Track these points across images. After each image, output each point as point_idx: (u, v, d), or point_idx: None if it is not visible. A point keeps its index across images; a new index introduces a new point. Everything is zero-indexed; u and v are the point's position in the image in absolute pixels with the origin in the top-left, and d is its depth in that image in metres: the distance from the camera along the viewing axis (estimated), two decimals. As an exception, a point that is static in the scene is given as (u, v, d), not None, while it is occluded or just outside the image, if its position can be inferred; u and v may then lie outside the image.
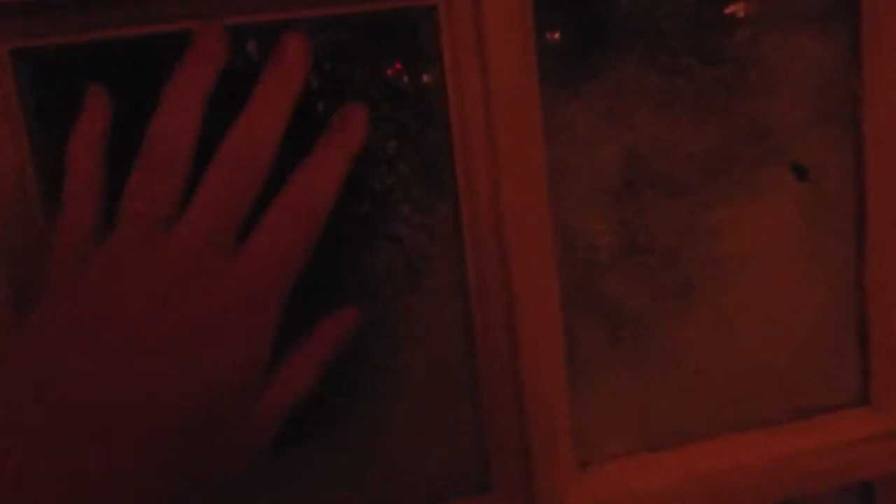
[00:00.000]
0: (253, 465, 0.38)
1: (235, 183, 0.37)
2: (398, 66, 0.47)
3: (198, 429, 0.34)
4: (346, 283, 0.49)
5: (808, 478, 0.58)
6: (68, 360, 0.34)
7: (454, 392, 0.52)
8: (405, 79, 0.47)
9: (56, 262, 0.37)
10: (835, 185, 0.56)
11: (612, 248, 0.52)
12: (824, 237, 0.57)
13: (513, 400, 0.52)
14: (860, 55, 0.53)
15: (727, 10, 0.51)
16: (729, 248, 0.55)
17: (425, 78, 0.48)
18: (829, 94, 0.54)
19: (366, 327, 0.45)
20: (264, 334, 0.37)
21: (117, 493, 0.32)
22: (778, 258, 0.56)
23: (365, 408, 0.50)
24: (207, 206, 0.36)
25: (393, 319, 0.50)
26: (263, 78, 0.38)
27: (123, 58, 0.43)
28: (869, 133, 0.55)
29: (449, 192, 0.49)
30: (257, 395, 0.37)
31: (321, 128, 0.42)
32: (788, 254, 0.56)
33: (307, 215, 0.38)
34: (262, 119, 0.37)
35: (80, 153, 0.38)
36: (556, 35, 0.49)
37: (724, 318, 0.56)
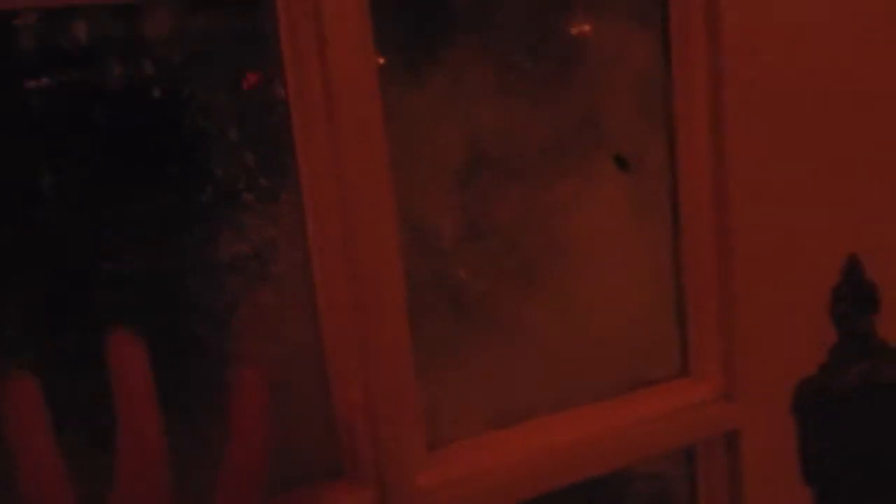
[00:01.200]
0: None
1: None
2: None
3: None
4: (193, 272, 0.47)
5: (641, 446, 0.62)
6: None
7: (302, 378, 0.52)
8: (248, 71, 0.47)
9: None
10: (653, 173, 0.61)
11: (454, 232, 0.54)
12: (645, 222, 0.62)
13: (361, 385, 0.53)
14: (669, 51, 0.59)
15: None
16: (563, 232, 0.58)
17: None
18: (646, 88, 0.59)
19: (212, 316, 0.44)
20: None
21: None
22: (606, 241, 0.60)
23: (213, 395, 0.49)
24: None
25: (240, 306, 0.49)
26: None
27: None
28: (679, 125, 0.61)
29: (293, 180, 0.49)
30: None
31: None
32: (614, 237, 0.61)
33: (254, 480, 0.38)
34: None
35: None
36: (396, 26, 0.50)
37: (560, 298, 0.59)
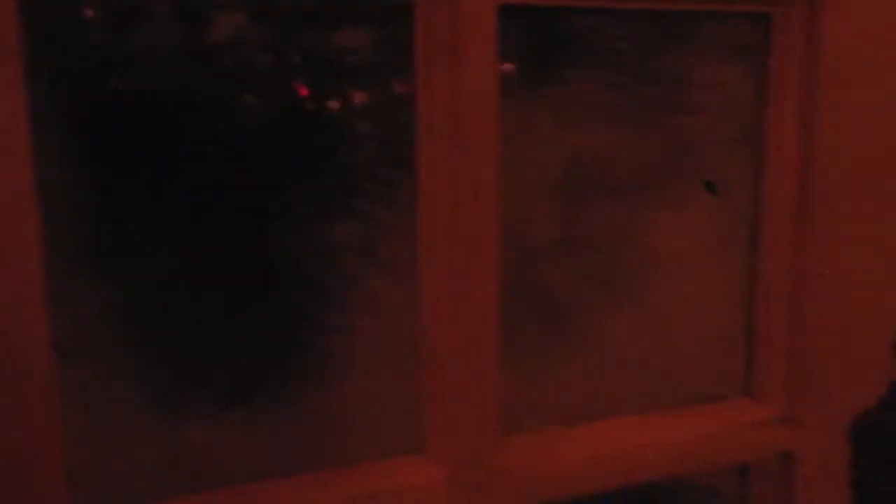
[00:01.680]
0: None
1: None
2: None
3: None
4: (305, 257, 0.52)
5: (699, 457, 0.66)
6: None
7: (399, 362, 0.56)
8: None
9: None
10: (739, 200, 0.64)
11: (550, 239, 0.58)
12: (726, 245, 0.65)
13: (449, 370, 0.57)
14: (767, 81, 0.62)
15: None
16: (650, 248, 0.62)
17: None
18: (740, 119, 0.62)
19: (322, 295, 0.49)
20: None
21: None
22: (688, 260, 0.63)
23: (315, 373, 0.53)
24: None
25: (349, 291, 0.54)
26: None
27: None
28: (769, 156, 0.63)
29: (411, 175, 0.54)
30: None
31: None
32: (697, 257, 0.64)
33: None
34: None
35: None
36: (519, 41, 0.54)
37: (639, 310, 0.63)
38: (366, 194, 0.53)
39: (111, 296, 0.47)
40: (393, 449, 0.58)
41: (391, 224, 0.53)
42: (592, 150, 0.57)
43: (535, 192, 0.57)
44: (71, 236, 0.47)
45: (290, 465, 0.52)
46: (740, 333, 0.67)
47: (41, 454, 0.45)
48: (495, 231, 0.55)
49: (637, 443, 0.63)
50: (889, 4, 0.62)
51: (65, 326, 0.43)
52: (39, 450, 0.45)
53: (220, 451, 0.49)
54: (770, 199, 0.65)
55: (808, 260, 0.64)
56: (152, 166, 0.48)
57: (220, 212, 0.50)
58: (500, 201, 0.55)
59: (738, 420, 0.67)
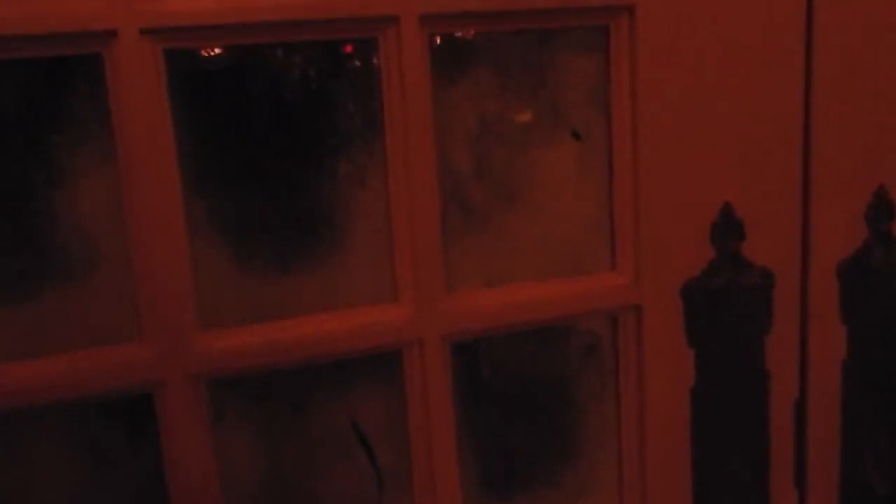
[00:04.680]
0: None
1: None
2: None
3: None
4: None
5: (582, 306, 1.03)
6: None
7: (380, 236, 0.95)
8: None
9: None
10: (596, 142, 1.01)
11: (468, 171, 0.97)
12: (592, 171, 1.02)
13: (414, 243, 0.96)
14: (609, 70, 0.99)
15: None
16: (538, 174, 0.99)
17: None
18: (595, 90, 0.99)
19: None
20: None
21: None
22: (567, 181, 1.01)
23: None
24: None
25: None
26: None
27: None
28: (614, 114, 1.00)
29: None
30: None
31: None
32: (572, 179, 1.01)
33: None
34: None
35: None
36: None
37: (535, 215, 1.01)
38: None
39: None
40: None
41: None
42: (493, 114, 0.96)
43: (457, 143, 0.95)
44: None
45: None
46: (607, 230, 1.05)
47: None
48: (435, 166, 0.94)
49: (535, 296, 1.02)
50: (695, 13, 0.98)
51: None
52: None
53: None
54: (616, 140, 1.02)
55: (643, 181, 1.01)
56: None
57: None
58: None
59: (603, 284, 1.05)
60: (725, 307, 1.07)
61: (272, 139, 0.93)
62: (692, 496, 1.11)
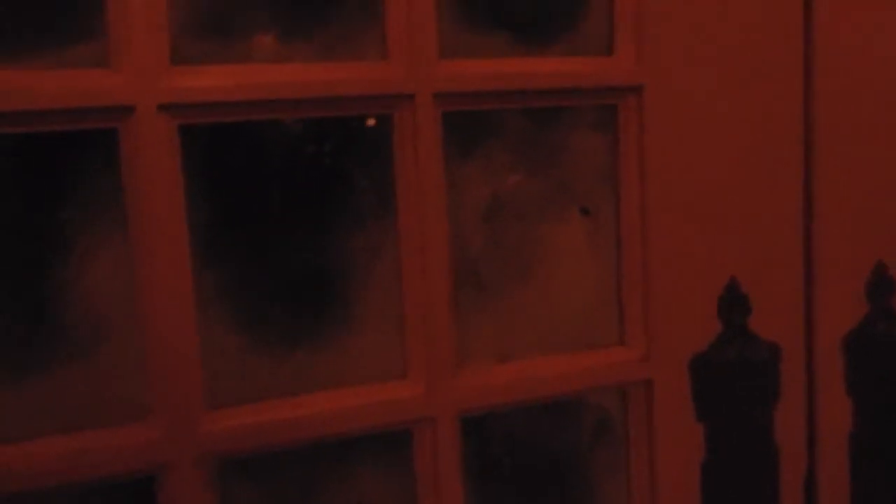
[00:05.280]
0: None
1: None
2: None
3: None
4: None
5: (590, 381, 1.03)
6: None
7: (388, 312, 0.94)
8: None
9: None
10: (605, 218, 1.02)
11: (480, 246, 0.97)
12: (600, 246, 1.03)
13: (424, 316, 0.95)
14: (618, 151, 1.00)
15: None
16: (548, 249, 1.00)
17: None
18: (602, 170, 1.01)
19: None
20: None
21: None
22: (577, 256, 1.01)
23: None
24: None
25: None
26: None
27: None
28: (622, 192, 1.02)
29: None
30: None
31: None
32: (582, 253, 1.02)
33: None
34: None
35: None
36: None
37: (545, 289, 1.00)
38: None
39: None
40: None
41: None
42: (504, 190, 0.96)
43: (469, 218, 0.95)
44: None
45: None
46: (614, 303, 1.05)
47: None
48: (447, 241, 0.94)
49: (545, 372, 1.01)
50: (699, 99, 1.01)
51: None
52: None
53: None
54: (624, 216, 1.03)
55: (651, 259, 1.02)
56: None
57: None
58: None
59: (613, 359, 1.04)
60: (734, 380, 1.07)
61: (283, 214, 0.93)
62: (704, 574, 1.08)
